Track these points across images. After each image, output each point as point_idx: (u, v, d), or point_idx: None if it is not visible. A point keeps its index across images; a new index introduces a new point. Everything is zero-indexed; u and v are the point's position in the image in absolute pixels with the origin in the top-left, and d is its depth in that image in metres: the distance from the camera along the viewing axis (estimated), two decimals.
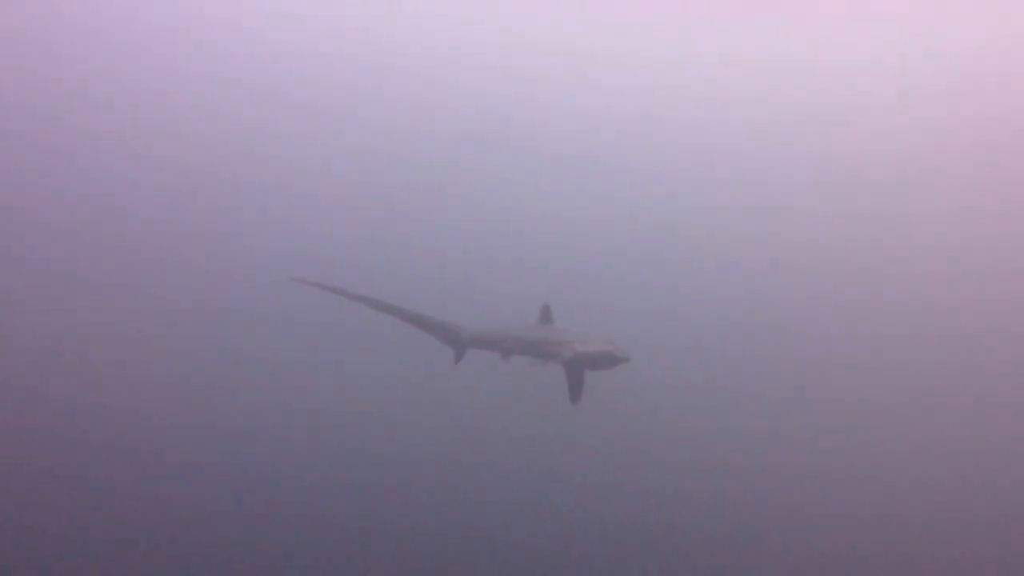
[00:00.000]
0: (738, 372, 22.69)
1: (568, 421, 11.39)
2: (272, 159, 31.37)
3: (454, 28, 34.36)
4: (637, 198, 30.33)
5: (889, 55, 31.43)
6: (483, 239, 28.69)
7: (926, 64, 31.07)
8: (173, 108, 31.50)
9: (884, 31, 31.51)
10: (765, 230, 28.78)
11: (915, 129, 30.46)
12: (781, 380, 22.45)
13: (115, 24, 32.27)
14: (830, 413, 21.76)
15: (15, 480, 16.12)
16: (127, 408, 19.46)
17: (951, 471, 19.98)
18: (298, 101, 33.33)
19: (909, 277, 27.05)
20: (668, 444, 19.53)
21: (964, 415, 22.06)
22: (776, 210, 29.38)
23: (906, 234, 28.36)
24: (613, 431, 18.72)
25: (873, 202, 29.61)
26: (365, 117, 33.42)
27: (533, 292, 12.58)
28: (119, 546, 14.85)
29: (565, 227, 29.18)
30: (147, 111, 31.16)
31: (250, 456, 18.21)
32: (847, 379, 23.12)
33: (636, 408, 19.27)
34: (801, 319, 25.38)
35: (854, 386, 22.79)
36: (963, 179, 29.45)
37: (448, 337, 11.83)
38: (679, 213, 29.59)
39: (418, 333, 11.91)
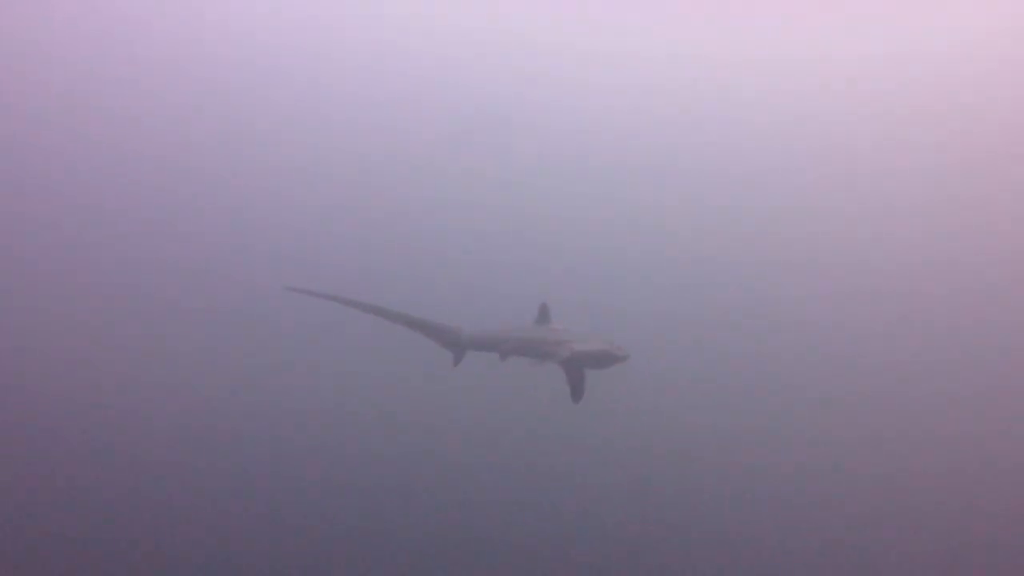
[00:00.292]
0: (737, 370, 22.70)
1: (567, 420, 11.40)
2: (270, 160, 31.38)
3: (451, 29, 34.40)
4: (634, 197, 30.35)
5: (888, 55, 31.44)
6: (480, 240, 28.70)
7: (924, 64, 31.10)
8: (174, 112, 31.57)
9: (883, 31, 31.53)
10: (765, 229, 28.81)
11: (913, 129, 30.50)
12: (781, 378, 22.48)
13: (122, 32, 32.37)
14: (831, 411, 21.78)
15: (14, 482, 16.15)
16: (128, 410, 19.48)
17: (951, 470, 19.97)
18: (294, 102, 33.38)
19: (909, 276, 27.04)
20: (668, 443, 19.56)
21: (965, 413, 22.05)
22: (775, 209, 29.40)
23: (906, 233, 28.37)
24: (613, 430, 18.77)
25: (873, 201, 29.62)
26: (363, 120, 33.46)
27: (530, 292, 12.59)
28: (120, 548, 14.88)
29: (562, 227, 29.21)
30: (148, 116, 31.23)
31: (250, 457, 18.23)
32: (848, 377, 23.14)
33: (635, 406, 19.31)
34: (801, 317, 25.40)
35: (855, 384, 22.80)
36: (963, 179, 29.46)
37: (446, 339, 11.82)
38: (676, 212, 29.62)
39: (416, 336, 11.91)
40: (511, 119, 33.11)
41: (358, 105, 33.74)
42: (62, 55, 31.20)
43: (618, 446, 19.05)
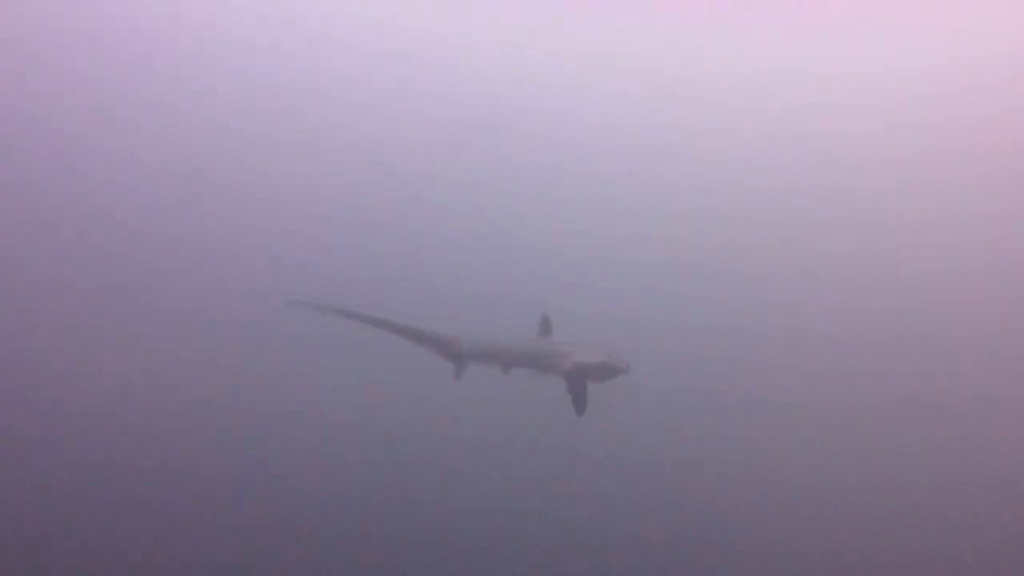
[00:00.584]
0: (741, 379, 22.71)
1: (568, 430, 11.35)
2: (265, 167, 31.38)
3: (447, 35, 34.52)
4: (637, 206, 30.39)
5: (884, 63, 31.65)
6: (481, 251, 28.72)
7: (922, 72, 31.30)
8: (170, 116, 31.59)
9: (880, 39, 31.72)
10: (769, 238, 28.87)
11: (909, 137, 30.65)
12: (784, 389, 22.48)
13: (122, 37, 32.36)
14: (837, 420, 21.77)
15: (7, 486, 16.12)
16: (125, 417, 19.43)
17: (949, 476, 19.94)
18: (293, 107, 33.39)
19: (909, 283, 27.09)
20: (669, 453, 19.55)
21: (964, 419, 22.03)
22: (779, 218, 29.47)
23: (907, 242, 28.45)
24: (614, 440, 18.74)
25: (872, 210, 29.71)
26: (363, 127, 33.51)
27: (532, 304, 12.59)
28: (111, 555, 14.81)
29: (564, 237, 29.23)
30: (144, 119, 31.24)
31: (249, 465, 18.18)
32: (852, 386, 23.14)
33: (636, 417, 19.30)
34: (807, 327, 25.41)
35: (859, 394, 22.80)
36: (958, 186, 29.60)
37: (447, 351, 11.84)
38: (679, 221, 29.64)
39: (417, 347, 11.91)
40: (514, 126, 33.17)
41: (358, 111, 33.80)
42: (57, 57, 31.22)
43: (618, 456, 19.04)
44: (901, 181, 30.40)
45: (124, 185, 29.39)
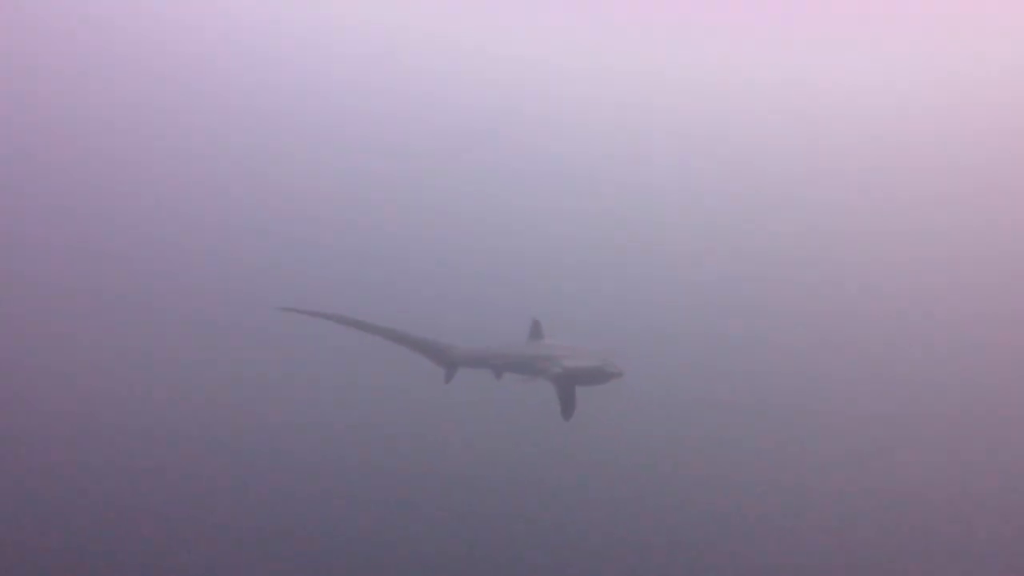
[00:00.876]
0: (731, 385, 22.70)
1: (559, 435, 11.31)
2: (261, 172, 31.39)
3: (443, 42, 34.55)
4: (627, 211, 30.44)
5: (879, 71, 31.78)
6: (473, 255, 28.72)
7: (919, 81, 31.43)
8: (168, 121, 31.60)
9: (874, 48, 31.86)
10: (763, 243, 28.90)
11: (905, 145, 30.75)
12: (776, 394, 22.47)
13: (117, 46, 32.41)
14: (828, 424, 21.74)
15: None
16: (119, 422, 19.35)
17: (946, 481, 19.88)
18: (284, 114, 33.44)
19: (904, 290, 27.13)
20: (661, 457, 19.52)
21: (957, 426, 21.99)
22: (770, 222, 29.51)
23: (901, 250, 28.51)
24: (606, 445, 18.72)
25: (866, 217, 29.78)
26: (358, 133, 33.55)
27: (523, 308, 12.59)
28: (105, 558, 14.76)
29: (556, 242, 29.27)
30: (142, 123, 31.26)
31: (242, 469, 18.09)
32: (843, 390, 23.14)
33: (628, 421, 19.29)
34: (798, 331, 25.41)
35: (850, 398, 22.79)
36: (955, 195, 29.65)
37: (438, 356, 11.80)
38: (671, 227, 29.69)
39: (408, 352, 11.90)
40: (506, 133, 33.24)
41: (354, 119, 33.87)
42: (52, 64, 31.23)
43: (609, 461, 19.00)
44: (898, 186, 30.50)
45: (123, 184, 29.44)
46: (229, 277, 26.30)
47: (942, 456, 20.56)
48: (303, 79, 34.59)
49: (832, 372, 23.63)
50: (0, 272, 24.25)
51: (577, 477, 18.40)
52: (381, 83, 34.65)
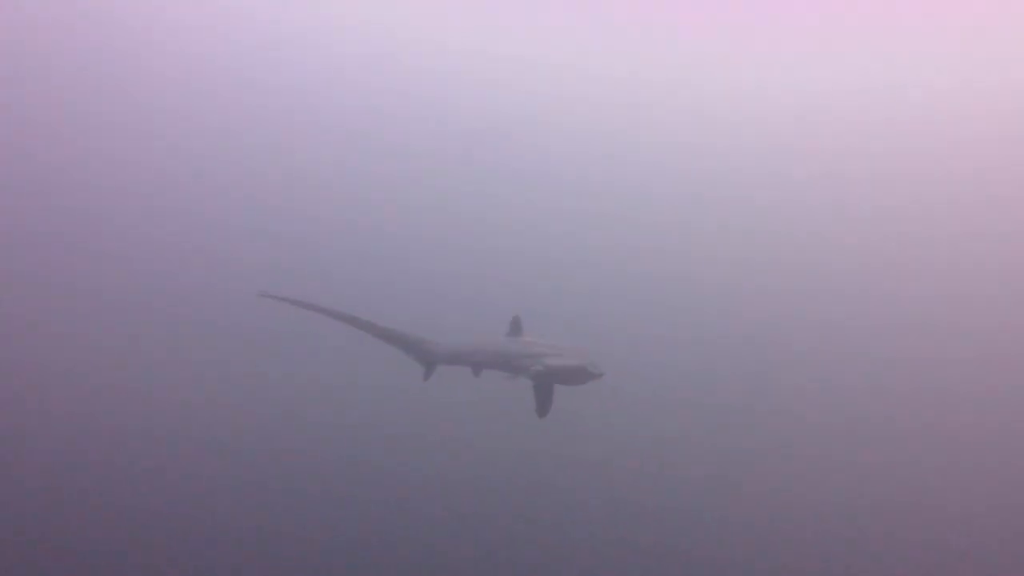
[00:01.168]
0: (721, 385, 22.80)
1: (535, 433, 11.23)
2: (251, 167, 31.22)
3: (442, 42, 34.55)
4: (609, 212, 30.50)
5: (873, 81, 32.13)
6: (452, 251, 28.69)
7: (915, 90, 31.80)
8: (158, 116, 31.35)
9: (874, 51, 32.22)
10: (756, 246, 29.10)
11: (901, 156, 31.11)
12: (766, 393, 22.61)
13: (100, 38, 32.15)
14: (819, 426, 21.88)
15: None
16: (111, 419, 19.12)
17: (945, 485, 20.04)
18: (281, 111, 33.30)
19: (902, 294, 27.37)
20: (647, 457, 19.56)
21: (956, 428, 22.19)
22: (765, 225, 29.71)
23: (898, 253, 28.81)
24: (592, 444, 18.74)
25: (862, 220, 30.06)
26: (343, 132, 33.43)
27: (503, 305, 12.51)
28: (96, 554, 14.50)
29: (536, 240, 29.29)
30: (132, 120, 31.01)
31: (226, 464, 17.91)
32: (835, 392, 23.32)
33: (615, 419, 19.33)
34: (789, 333, 25.54)
35: (842, 399, 22.98)
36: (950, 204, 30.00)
37: (418, 352, 11.66)
38: (653, 228, 29.78)
39: (388, 347, 11.77)
40: (490, 132, 33.24)
41: (349, 118, 33.82)
42: (49, 62, 30.93)
43: (595, 460, 19.01)
44: (895, 190, 30.82)
45: (124, 183, 29.21)
46: (226, 275, 26.07)
47: (941, 460, 20.74)
48: (301, 77, 34.55)
49: (824, 374, 23.79)
50: None
51: (567, 477, 18.40)
52: (379, 82, 34.66)
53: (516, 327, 11.19)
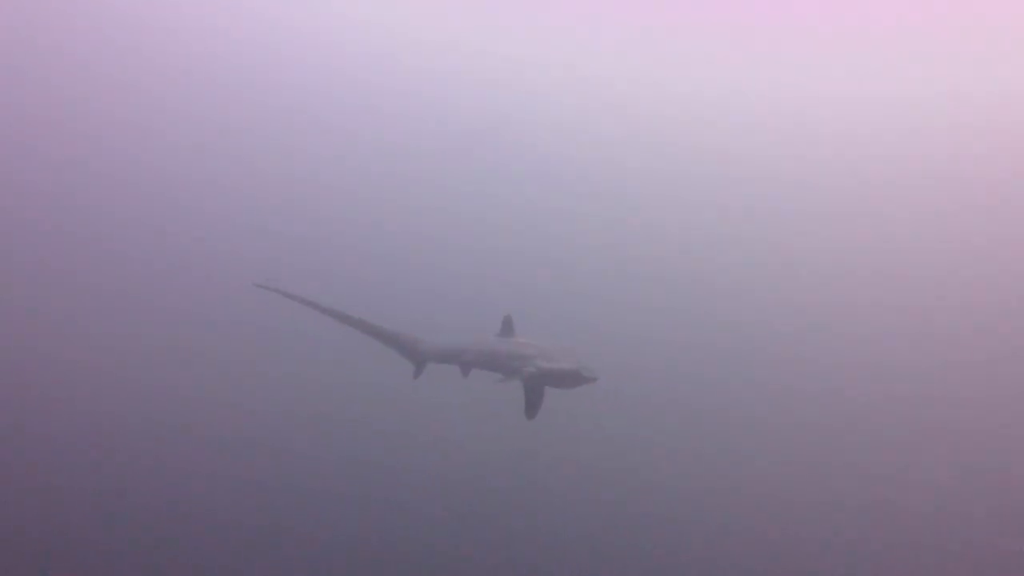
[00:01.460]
0: (710, 385, 22.74)
1: (527, 433, 11.04)
2: (252, 163, 31.21)
3: (443, 42, 34.48)
4: (606, 214, 30.45)
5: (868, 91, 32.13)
6: (448, 249, 28.63)
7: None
8: (158, 112, 31.33)
9: (874, 56, 32.15)
10: (754, 248, 29.04)
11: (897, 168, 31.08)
12: (762, 397, 22.56)
13: (97, 31, 32.01)
14: (816, 428, 21.85)
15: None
16: (108, 411, 18.95)
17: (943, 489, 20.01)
18: (281, 108, 33.33)
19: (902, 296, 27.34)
20: (640, 459, 19.49)
21: (955, 433, 22.16)
22: (765, 227, 29.65)
23: (895, 256, 28.79)
24: (575, 443, 18.65)
25: (860, 224, 30.04)
26: (345, 126, 33.42)
27: (495, 304, 12.32)
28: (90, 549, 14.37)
29: (530, 240, 29.24)
30: (131, 116, 30.96)
31: (229, 460, 17.77)
32: (831, 393, 23.30)
33: (596, 419, 19.25)
34: (786, 336, 25.53)
35: (838, 401, 22.96)
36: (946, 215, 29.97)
37: (407, 350, 11.49)
38: (648, 231, 29.73)
39: (377, 344, 11.59)
40: (489, 132, 33.20)
41: (340, 113, 33.77)
42: (46, 58, 30.80)
43: (574, 460, 18.94)
44: (895, 194, 30.78)
45: (130, 181, 29.14)
46: (222, 271, 25.96)
47: (941, 464, 20.71)
48: (303, 76, 34.51)
49: (821, 377, 23.79)
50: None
51: (554, 477, 18.32)
52: (377, 81, 34.64)
53: (508, 327, 10.92)
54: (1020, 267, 27.64)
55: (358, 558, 15.42)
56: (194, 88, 32.68)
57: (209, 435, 18.50)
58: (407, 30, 34.58)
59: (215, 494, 16.44)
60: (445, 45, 34.16)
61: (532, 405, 10.27)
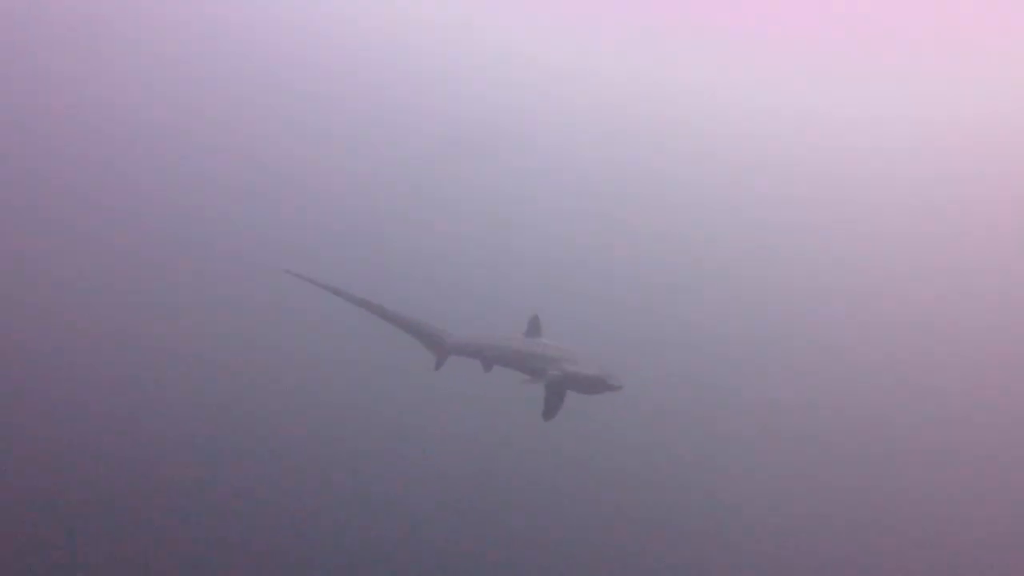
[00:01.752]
0: (727, 390, 22.80)
1: (540, 432, 10.99)
2: (269, 158, 31.23)
3: (450, 40, 34.48)
4: (638, 223, 30.47)
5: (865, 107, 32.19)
6: (478, 246, 28.63)
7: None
8: (170, 105, 31.29)
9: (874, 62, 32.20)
10: (765, 250, 29.09)
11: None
12: (773, 400, 22.61)
13: (111, 24, 31.93)
14: (824, 431, 21.93)
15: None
16: (111, 404, 18.82)
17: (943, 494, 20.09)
18: (296, 101, 33.33)
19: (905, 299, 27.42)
20: (651, 461, 19.52)
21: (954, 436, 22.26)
22: (775, 229, 29.68)
23: (900, 259, 28.86)
24: (589, 444, 18.66)
25: (867, 224, 30.11)
26: (362, 120, 33.46)
27: (523, 302, 12.27)
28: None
29: (561, 243, 29.23)
30: (143, 109, 30.91)
31: (236, 455, 17.71)
32: (838, 397, 23.38)
33: (612, 421, 19.25)
34: (798, 340, 25.58)
35: (846, 405, 23.02)
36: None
37: (432, 342, 11.43)
38: (676, 240, 29.74)
39: (401, 334, 11.54)
40: (520, 131, 33.21)
41: (359, 108, 33.83)
42: (57, 52, 30.76)
43: (603, 464, 18.97)
44: (898, 196, 30.88)
45: (121, 176, 29.03)
46: (229, 254, 25.87)
47: (946, 476, 20.79)
48: (301, 67, 34.52)
49: (834, 384, 23.87)
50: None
51: (565, 477, 18.35)
52: (393, 74, 34.71)
53: (534, 327, 10.86)
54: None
55: (357, 554, 15.39)
56: (194, 81, 32.58)
57: (214, 430, 18.42)
58: (436, 30, 34.70)
59: (221, 489, 16.38)
60: (484, 45, 34.22)
61: (551, 407, 10.17)
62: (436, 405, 18.54)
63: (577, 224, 30.12)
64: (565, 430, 10.99)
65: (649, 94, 34.53)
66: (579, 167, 32.84)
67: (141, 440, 17.43)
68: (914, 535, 18.72)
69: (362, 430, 19.03)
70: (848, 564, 17.79)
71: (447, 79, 34.96)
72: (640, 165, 32.89)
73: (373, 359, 19.28)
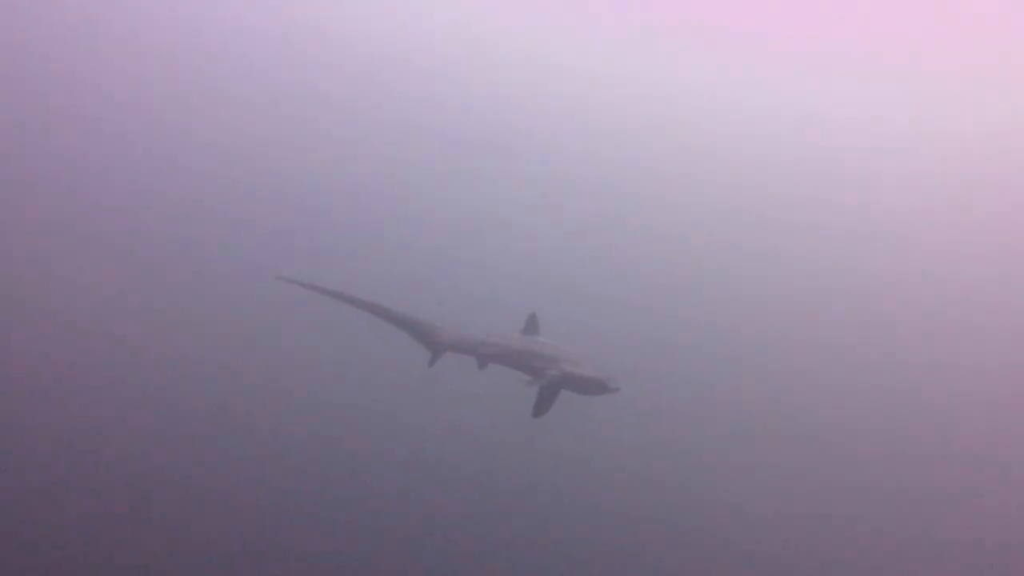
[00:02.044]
0: (725, 393, 22.74)
1: (530, 429, 10.97)
2: (266, 159, 31.19)
3: (451, 38, 34.44)
4: (632, 215, 30.40)
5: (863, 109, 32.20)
6: (477, 244, 28.59)
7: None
8: (168, 107, 31.24)
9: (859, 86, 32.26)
10: (767, 251, 29.03)
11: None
12: (771, 403, 22.58)
13: (111, 24, 31.92)
14: (822, 435, 21.88)
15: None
16: (111, 404, 18.79)
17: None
18: (293, 102, 33.27)
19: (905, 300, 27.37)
20: (648, 463, 19.49)
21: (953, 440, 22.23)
22: (776, 230, 29.63)
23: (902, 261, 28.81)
24: (591, 444, 18.64)
25: (869, 223, 30.05)
26: (362, 120, 33.38)
27: (520, 301, 12.25)
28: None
29: (558, 241, 29.18)
30: (142, 110, 30.88)
31: (236, 454, 17.69)
32: (838, 400, 23.32)
33: (604, 420, 19.20)
34: (799, 342, 25.53)
35: (845, 408, 22.98)
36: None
37: (426, 338, 11.34)
38: (674, 240, 29.68)
39: (393, 330, 11.51)
40: (519, 131, 33.14)
41: (358, 108, 33.75)
42: (56, 50, 30.73)
43: (600, 465, 18.92)
44: (899, 197, 30.84)
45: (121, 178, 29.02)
46: (226, 256, 25.84)
47: (948, 480, 20.76)
48: (301, 68, 34.50)
49: (828, 381, 23.82)
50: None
51: (558, 475, 18.31)
52: (393, 74, 34.67)
53: (532, 325, 10.83)
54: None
55: (357, 554, 15.37)
56: (194, 82, 32.56)
57: (214, 430, 18.41)
58: (439, 28, 34.66)
59: (221, 486, 16.36)
60: (489, 42, 34.17)
61: (543, 405, 10.11)
62: (435, 405, 18.51)
63: (576, 223, 30.09)
64: (565, 430, 10.98)
65: (649, 94, 34.51)
66: (579, 167, 32.79)
67: (141, 440, 17.41)
68: (914, 535, 18.71)
69: (362, 430, 18.99)
70: (848, 564, 17.77)
71: (446, 79, 34.91)
72: (640, 165, 32.86)
73: (373, 359, 19.26)
